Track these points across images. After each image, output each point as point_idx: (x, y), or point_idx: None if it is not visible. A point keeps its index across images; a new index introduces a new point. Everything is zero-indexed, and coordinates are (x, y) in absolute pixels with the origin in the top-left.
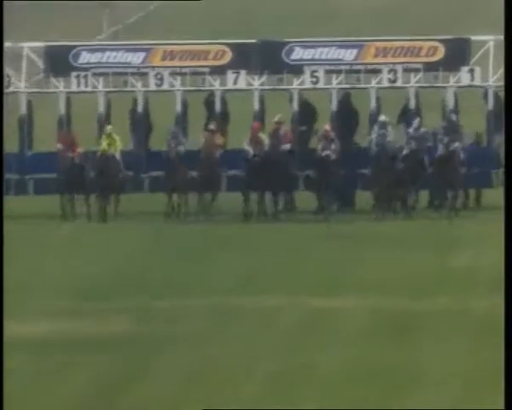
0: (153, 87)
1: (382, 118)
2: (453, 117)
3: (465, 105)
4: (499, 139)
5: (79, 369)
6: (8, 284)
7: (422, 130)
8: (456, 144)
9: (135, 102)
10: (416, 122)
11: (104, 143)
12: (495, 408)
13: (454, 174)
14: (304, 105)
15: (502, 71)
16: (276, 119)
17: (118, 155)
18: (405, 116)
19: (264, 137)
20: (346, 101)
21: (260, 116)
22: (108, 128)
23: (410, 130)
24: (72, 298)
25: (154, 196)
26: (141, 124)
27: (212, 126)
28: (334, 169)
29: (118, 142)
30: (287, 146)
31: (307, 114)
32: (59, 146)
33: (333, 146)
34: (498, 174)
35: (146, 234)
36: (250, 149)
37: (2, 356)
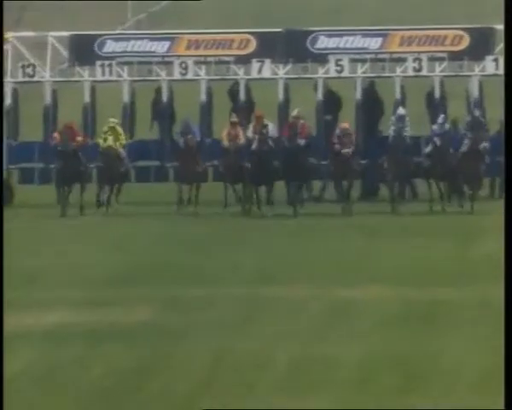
0: (177, 76)
1: (401, 111)
2: (477, 112)
3: (490, 93)
4: None
5: (102, 358)
6: (30, 272)
7: (447, 126)
8: (482, 143)
9: (159, 90)
10: (441, 118)
11: (110, 139)
12: (495, 408)
13: (477, 171)
14: (328, 94)
15: None
16: (294, 113)
17: (122, 150)
18: (431, 105)
19: (271, 127)
20: (370, 89)
21: (285, 105)
22: (112, 121)
23: (435, 126)
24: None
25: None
26: (165, 113)
27: (233, 119)
28: (352, 162)
29: (122, 135)
30: (302, 141)
31: (332, 103)
32: (56, 135)
33: (351, 142)
34: None
35: (164, 224)
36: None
37: (3, 355)
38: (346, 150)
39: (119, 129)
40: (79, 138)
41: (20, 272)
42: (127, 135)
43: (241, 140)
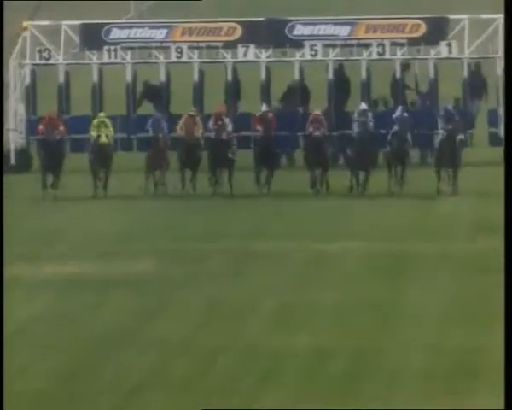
0: (174, 59)
1: (363, 106)
2: (449, 107)
3: (444, 74)
4: (473, 103)
5: (109, 304)
6: (48, 230)
7: (405, 115)
8: (458, 135)
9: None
10: (399, 109)
11: (103, 135)
12: (495, 408)
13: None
14: (300, 83)
15: (476, 44)
16: (263, 108)
17: (111, 142)
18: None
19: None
20: (340, 71)
21: (266, 84)
22: (101, 115)
23: (395, 115)
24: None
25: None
26: (163, 92)
27: (191, 112)
28: (323, 147)
29: (110, 127)
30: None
31: (301, 93)
32: (40, 127)
33: (322, 128)
34: (472, 135)
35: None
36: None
37: (3, 353)
38: (317, 133)
39: (108, 122)
40: (61, 129)
41: (38, 230)
42: (129, 110)
43: (199, 131)
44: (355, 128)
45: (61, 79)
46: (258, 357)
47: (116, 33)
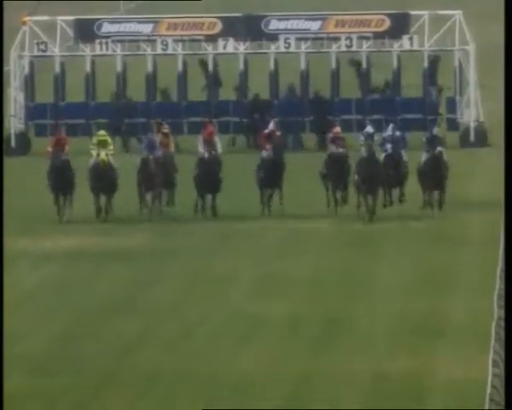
0: (160, 51)
1: (369, 129)
2: (435, 131)
3: (406, 65)
4: (432, 91)
5: (105, 275)
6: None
7: (398, 133)
8: (439, 148)
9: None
10: (390, 128)
11: (102, 154)
12: (495, 408)
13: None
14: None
15: (435, 38)
16: (271, 126)
17: (112, 161)
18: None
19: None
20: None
21: (244, 74)
22: (101, 133)
23: (385, 134)
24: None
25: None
26: (152, 80)
27: (165, 130)
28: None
29: (111, 145)
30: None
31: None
32: (49, 149)
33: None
34: (432, 120)
35: None
36: (203, 151)
37: (3, 351)
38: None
39: (109, 140)
40: (67, 148)
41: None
42: (120, 96)
43: (172, 148)
44: (363, 153)
45: (57, 69)
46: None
47: (107, 28)
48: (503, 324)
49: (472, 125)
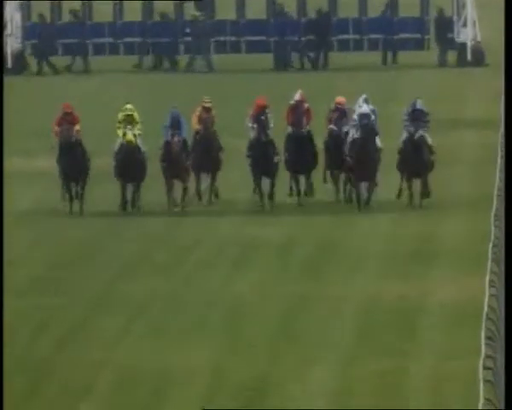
0: None
1: (365, 108)
2: (418, 104)
3: None
4: (429, 10)
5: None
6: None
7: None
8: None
9: None
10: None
11: (129, 134)
12: (495, 408)
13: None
14: None
15: None
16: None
17: (140, 142)
18: None
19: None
20: None
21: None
22: (128, 107)
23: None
24: None
25: None
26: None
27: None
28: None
29: (139, 124)
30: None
31: None
32: (56, 128)
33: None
34: (428, 40)
35: None
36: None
37: (3, 351)
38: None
39: (137, 116)
40: (78, 128)
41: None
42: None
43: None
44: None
45: None
46: None
47: None
48: (498, 243)
49: (469, 44)
